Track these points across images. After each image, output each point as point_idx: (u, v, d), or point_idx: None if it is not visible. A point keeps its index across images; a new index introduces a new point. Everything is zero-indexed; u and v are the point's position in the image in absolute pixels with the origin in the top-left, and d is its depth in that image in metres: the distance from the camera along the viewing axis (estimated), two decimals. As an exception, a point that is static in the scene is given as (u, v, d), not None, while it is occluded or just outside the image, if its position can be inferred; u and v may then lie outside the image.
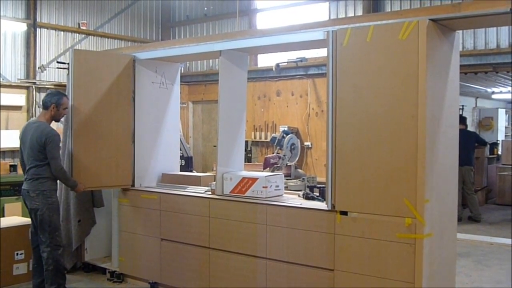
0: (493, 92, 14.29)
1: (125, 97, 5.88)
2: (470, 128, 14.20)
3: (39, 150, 5.23)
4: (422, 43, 3.88)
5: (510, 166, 12.46)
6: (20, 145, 5.44)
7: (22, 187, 5.43)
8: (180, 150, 7.52)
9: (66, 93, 5.59)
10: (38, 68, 12.16)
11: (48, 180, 5.29)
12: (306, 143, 11.49)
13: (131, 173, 5.94)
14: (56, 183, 5.44)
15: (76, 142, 5.58)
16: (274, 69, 10.68)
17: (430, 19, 3.92)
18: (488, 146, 13.57)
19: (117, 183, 5.88)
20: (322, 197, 4.89)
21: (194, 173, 7.29)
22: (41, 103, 5.66)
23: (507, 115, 16.58)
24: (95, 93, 5.67)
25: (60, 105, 5.40)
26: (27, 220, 6.52)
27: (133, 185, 5.96)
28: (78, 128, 5.59)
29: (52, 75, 12.46)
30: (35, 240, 5.45)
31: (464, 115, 12.32)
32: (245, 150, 10.98)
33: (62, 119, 5.80)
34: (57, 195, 5.55)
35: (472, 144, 10.27)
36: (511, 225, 9.64)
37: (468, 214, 10.47)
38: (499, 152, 13.90)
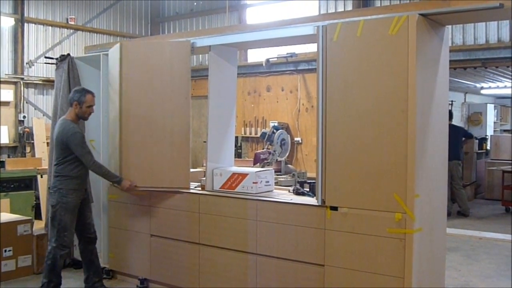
0: (482, 88, 14.36)
1: (182, 89, 5.37)
2: (459, 123, 14.29)
3: (61, 148, 5.13)
4: (412, 38, 3.88)
5: (499, 161, 12.54)
6: (51, 142, 5.36)
7: None
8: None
9: (58, 91, 5.47)
10: (26, 63, 12.08)
11: (68, 178, 5.16)
12: (296, 139, 11.49)
13: (187, 174, 5.39)
14: (77, 181, 5.22)
15: (125, 139, 5.45)
16: (264, 64, 10.67)
17: (420, 14, 3.93)
18: (477, 141, 13.66)
19: (172, 185, 5.39)
20: (312, 192, 4.89)
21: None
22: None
23: (495, 111, 16.67)
24: (146, 86, 5.40)
25: (83, 103, 5.19)
26: (15, 217, 6.48)
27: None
28: (126, 124, 5.44)
29: (40, 71, 12.36)
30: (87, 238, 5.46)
31: (453, 110, 12.37)
32: (235, 146, 10.95)
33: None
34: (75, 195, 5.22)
35: (459, 139, 10.32)
36: (511, 221, 9.69)
37: (457, 209, 10.54)
38: (488, 147, 13.99)
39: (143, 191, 5.51)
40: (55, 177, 5.23)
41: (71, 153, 5.13)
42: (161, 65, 5.35)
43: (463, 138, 10.65)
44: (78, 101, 5.19)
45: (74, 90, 5.32)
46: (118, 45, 5.56)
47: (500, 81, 13.03)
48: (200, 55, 13.45)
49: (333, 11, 11.20)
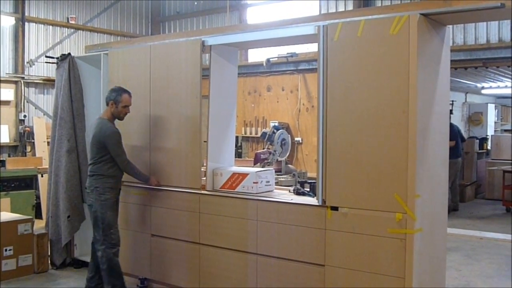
0: (482, 87, 14.34)
1: (192, 88, 5.30)
2: (460, 123, 14.29)
3: (97, 147, 5.11)
4: (413, 37, 3.87)
5: (500, 161, 12.53)
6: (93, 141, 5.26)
7: None
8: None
9: (59, 90, 5.43)
10: (27, 62, 12.07)
11: (103, 177, 5.15)
12: (296, 139, 11.48)
13: (199, 174, 5.29)
14: (113, 180, 5.21)
15: (152, 142, 5.56)
16: (264, 64, 10.65)
17: (421, 14, 3.92)
18: (478, 141, 13.65)
19: (186, 185, 5.33)
20: (312, 192, 4.88)
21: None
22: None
23: (496, 110, 16.66)
24: (166, 88, 5.48)
25: (119, 102, 5.15)
26: (16, 216, 6.48)
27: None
28: (154, 125, 5.55)
29: (41, 70, 12.36)
30: (93, 237, 5.34)
31: (453, 110, 12.36)
32: (236, 146, 10.93)
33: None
34: (113, 193, 5.23)
35: (454, 138, 10.27)
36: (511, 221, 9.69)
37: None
38: (489, 147, 13.98)
39: (159, 189, 5.54)
40: (91, 177, 5.19)
41: (107, 153, 5.11)
42: (177, 64, 5.39)
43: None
44: (114, 101, 5.15)
45: (111, 89, 5.27)
46: (142, 45, 5.62)
47: (501, 81, 13.01)
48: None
49: (334, 11, 11.18)
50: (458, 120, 14.34)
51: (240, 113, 12.23)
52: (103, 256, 5.14)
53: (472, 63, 9.77)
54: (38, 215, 8.73)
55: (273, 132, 6.85)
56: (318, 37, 4.36)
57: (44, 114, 12.30)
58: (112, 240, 5.17)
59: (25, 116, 11.91)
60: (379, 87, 4.05)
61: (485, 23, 9.45)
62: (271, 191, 5.14)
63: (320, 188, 4.37)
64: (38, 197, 9.04)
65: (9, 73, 11.74)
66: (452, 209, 10.38)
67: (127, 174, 5.29)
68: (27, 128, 11.68)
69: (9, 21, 11.72)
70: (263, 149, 7.44)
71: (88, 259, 6.38)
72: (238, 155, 11.76)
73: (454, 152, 9.55)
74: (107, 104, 5.21)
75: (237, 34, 5.15)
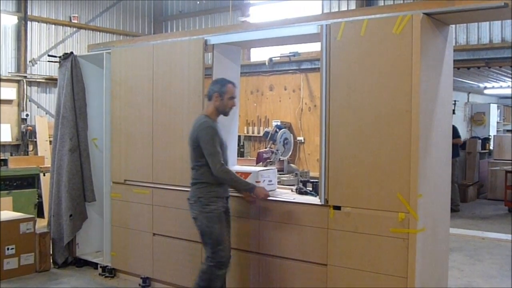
0: (485, 88, 14.32)
1: (195, 88, 5.24)
2: (462, 123, 14.27)
3: (193, 147, 4.47)
4: (416, 37, 3.86)
5: (502, 161, 12.51)
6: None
7: None
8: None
9: (61, 89, 5.36)
10: (29, 61, 12.09)
11: (207, 185, 4.44)
12: (299, 138, 11.48)
13: None
14: (219, 189, 4.48)
15: (156, 142, 5.54)
16: (267, 63, 10.61)
17: (424, 13, 3.91)
18: (480, 141, 13.63)
19: (188, 184, 4.92)
20: (315, 191, 4.88)
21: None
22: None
23: (499, 110, 16.64)
24: (168, 87, 5.47)
25: (224, 94, 4.52)
26: (18, 215, 6.48)
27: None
28: (156, 124, 5.54)
29: (43, 69, 12.38)
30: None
31: (456, 110, 12.34)
32: (238, 145, 10.94)
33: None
34: (218, 203, 4.49)
35: (456, 136, 10.28)
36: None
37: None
38: (491, 147, 13.96)
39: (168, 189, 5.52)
40: (193, 185, 4.53)
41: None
42: (180, 63, 5.38)
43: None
44: (219, 92, 4.52)
45: (213, 82, 4.67)
46: (145, 44, 5.61)
47: (504, 81, 12.99)
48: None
49: (337, 10, 11.17)
50: (460, 120, 14.32)
51: (242, 112, 12.23)
52: (206, 273, 4.44)
53: (475, 63, 9.76)
54: (40, 214, 8.73)
55: (276, 132, 6.85)
56: (321, 37, 4.35)
57: (46, 113, 12.31)
58: (221, 259, 4.41)
59: (27, 115, 11.93)
60: (382, 87, 4.04)
61: (488, 23, 9.44)
62: (274, 190, 5.13)
63: (322, 187, 4.36)
64: (40, 196, 9.04)
65: (11, 72, 11.76)
66: (453, 210, 10.35)
67: (220, 181, 4.43)
68: (29, 127, 11.70)
69: (11, 20, 11.74)
70: (266, 148, 7.44)
71: (90, 257, 6.42)
72: (241, 154, 11.76)
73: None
74: (209, 99, 4.59)
75: (239, 33, 5.15)
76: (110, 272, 6.04)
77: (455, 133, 11.04)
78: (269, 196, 4.55)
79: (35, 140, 11.50)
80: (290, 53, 10.04)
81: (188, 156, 4.61)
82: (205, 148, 4.35)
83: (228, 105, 4.57)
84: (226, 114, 4.64)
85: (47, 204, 7.07)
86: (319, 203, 4.40)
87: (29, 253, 6.16)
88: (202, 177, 4.47)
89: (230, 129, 5.50)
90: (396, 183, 3.97)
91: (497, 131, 15.90)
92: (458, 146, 10.55)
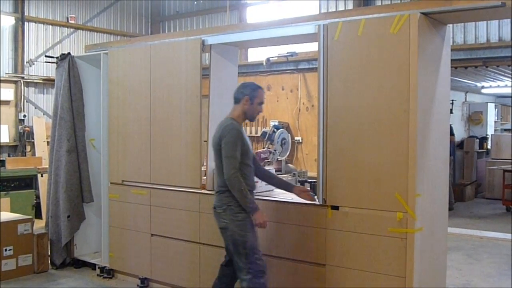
0: (482, 87, 14.33)
1: (193, 88, 5.26)
2: (460, 122, 14.28)
3: (217, 151, 4.27)
4: (414, 36, 3.87)
5: (500, 160, 12.53)
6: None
7: None
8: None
9: (59, 90, 5.35)
10: (27, 62, 12.05)
11: None
12: (296, 138, 11.47)
13: (199, 174, 5.21)
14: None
15: (153, 142, 5.56)
16: (264, 63, 10.64)
17: (421, 13, 3.91)
18: (478, 140, 13.65)
19: (186, 184, 5.30)
20: (313, 192, 4.87)
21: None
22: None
23: (496, 110, 16.65)
24: (166, 87, 5.48)
25: (255, 98, 4.36)
26: (15, 216, 6.47)
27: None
28: (154, 124, 5.55)
29: (41, 70, 12.34)
30: (227, 261, 4.51)
31: (453, 109, 12.34)
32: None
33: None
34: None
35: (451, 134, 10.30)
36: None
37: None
38: (489, 147, 13.98)
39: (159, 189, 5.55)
40: (221, 193, 4.29)
41: None
42: (177, 64, 5.38)
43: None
44: (250, 96, 4.35)
45: (243, 85, 4.47)
46: (142, 44, 5.62)
47: (501, 80, 13.00)
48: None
49: (334, 10, 11.17)
50: (458, 119, 14.33)
51: (240, 112, 12.20)
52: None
53: (472, 62, 9.76)
54: (38, 215, 8.73)
55: (273, 132, 6.87)
56: (319, 36, 4.36)
57: (43, 114, 12.28)
58: (260, 267, 4.23)
59: (24, 116, 11.89)
60: (379, 86, 4.04)
61: (485, 22, 9.45)
62: (272, 190, 5.14)
63: (320, 187, 4.36)
64: (38, 197, 9.04)
65: (8, 73, 11.73)
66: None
67: (228, 186, 4.19)
68: (26, 128, 11.67)
69: (8, 21, 11.70)
70: (264, 148, 7.45)
71: (88, 258, 6.41)
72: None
73: None
74: (237, 102, 4.41)
75: (237, 33, 5.15)
76: (108, 272, 6.03)
77: (449, 131, 11.06)
78: (266, 226, 4.29)
79: (32, 141, 11.47)
80: (287, 53, 10.07)
81: (213, 162, 4.41)
82: (224, 149, 4.18)
83: (256, 110, 4.43)
84: (253, 119, 4.51)
85: (45, 205, 7.05)
86: (317, 203, 4.40)
87: (27, 254, 6.15)
88: None
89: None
90: (394, 183, 3.97)
91: (495, 130, 15.91)
92: (453, 145, 10.55)
